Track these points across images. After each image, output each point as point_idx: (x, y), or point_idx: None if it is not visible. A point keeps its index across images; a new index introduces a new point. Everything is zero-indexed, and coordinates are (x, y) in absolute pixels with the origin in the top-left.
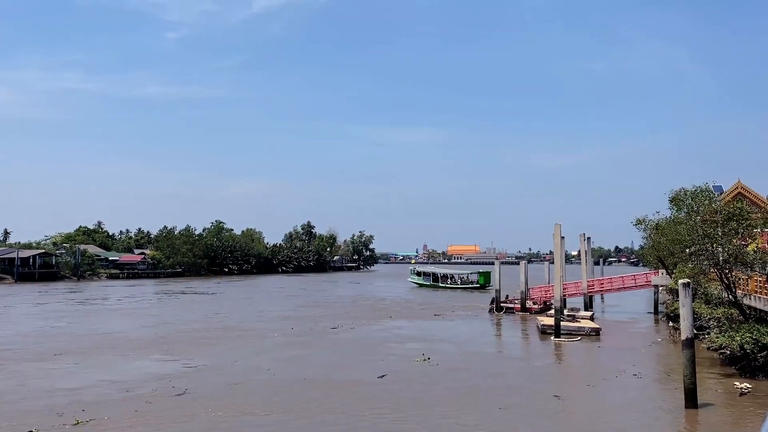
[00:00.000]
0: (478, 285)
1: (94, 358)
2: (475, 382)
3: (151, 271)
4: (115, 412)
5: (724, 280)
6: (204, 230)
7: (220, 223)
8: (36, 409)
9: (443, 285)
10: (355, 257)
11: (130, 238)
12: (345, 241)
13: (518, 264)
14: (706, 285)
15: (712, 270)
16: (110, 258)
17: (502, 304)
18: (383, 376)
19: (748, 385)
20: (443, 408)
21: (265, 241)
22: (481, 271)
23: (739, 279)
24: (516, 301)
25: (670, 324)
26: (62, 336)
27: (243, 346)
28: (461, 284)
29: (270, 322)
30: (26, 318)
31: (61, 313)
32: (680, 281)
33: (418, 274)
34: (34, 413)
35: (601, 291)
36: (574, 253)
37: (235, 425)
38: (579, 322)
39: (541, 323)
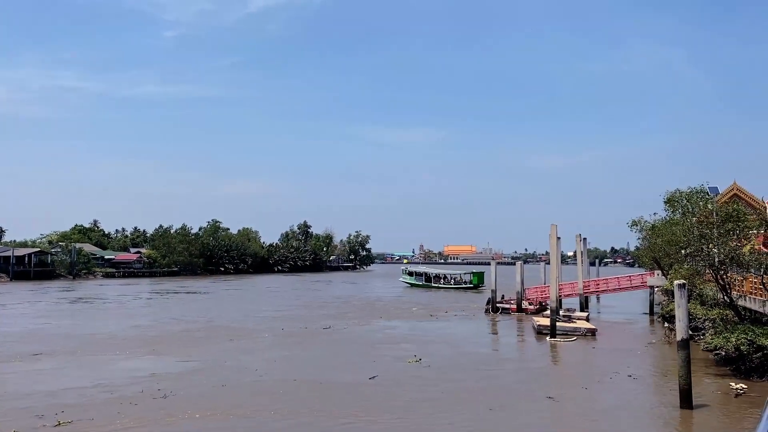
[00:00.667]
0: (471, 285)
1: (79, 359)
2: (467, 383)
3: (147, 270)
4: (98, 413)
5: (720, 281)
6: (200, 229)
7: (217, 222)
8: (15, 410)
9: (436, 285)
10: (352, 257)
11: (126, 237)
12: (341, 241)
13: (514, 264)
14: (702, 286)
15: (707, 271)
16: (106, 257)
17: (498, 305)
18: (374, 377)
19: (744, 386)
20: (433, 409)
21: (262, 241)
22: (474, 271)
23: (735, 280)
24: (512, 302)
25: (666, 325)
26: (49, 336)
27: (232, 347)
28: (454, 284)
29: (262, 322)
30: (15, 317)
31: (52, 313)
32: (676, 282)
33: (410, 274)
34: (13, 415)
35: (597, 292)
36: (570, 253)
37: (221, 427)
38: (575, 322)
39: (537, 323)
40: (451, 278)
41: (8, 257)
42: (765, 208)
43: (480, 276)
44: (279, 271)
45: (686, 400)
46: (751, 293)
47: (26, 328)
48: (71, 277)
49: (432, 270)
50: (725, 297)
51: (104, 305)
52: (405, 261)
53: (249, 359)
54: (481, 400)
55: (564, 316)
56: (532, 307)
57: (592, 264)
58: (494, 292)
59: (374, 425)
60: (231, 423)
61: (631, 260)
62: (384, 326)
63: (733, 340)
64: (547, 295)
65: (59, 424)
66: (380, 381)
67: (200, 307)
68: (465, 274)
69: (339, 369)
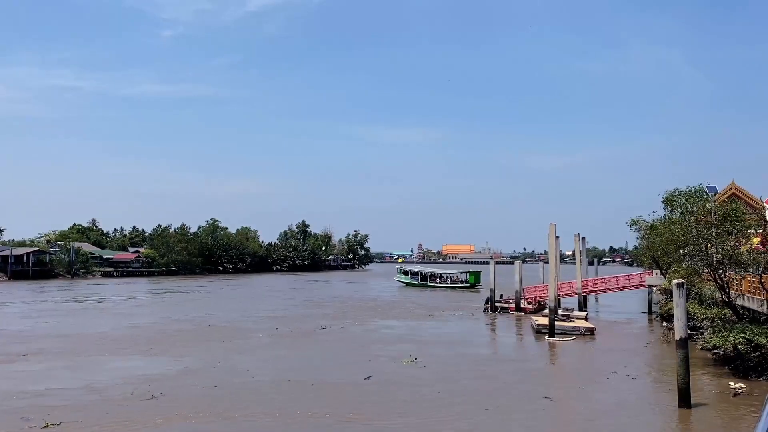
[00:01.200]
0: (467, 284)
1: (69, 359)
2: (463, 384)
3: (146, 269)
4: (86, 415)
5: (718, 280)
6: (199, 229)
7: (215, 221)
8: (1, 412)
9: (432, 284)
10: (350, 256)
11: (125, 236)
12: (340, 240)
13: (513, 264)
14: (700, 285)
15: (705, 270)
16: (104, 256)
17: (496, 304)
18: (369, 377)
19: (742, 386)
20: (428, 410)
21: (260, 240)
22: (471, 270)
23: (733, 279)
24: (510, 301)
25: (664, 324)
26: (40, 336)
27: (226, 347)
28: (450, 283)
29: (257, 322)
30: (8, 317)
31: (46, 312)
32: (674, 281)
33: (405, 273)
34: None
35: (596, 291)
36: (569, 252)
37: (211, 429)
38: (573, 321)
39: (536, 323)
40: (447, 277)
41: (6, 256)
42: (764, 207)
43: (476, 275)
44: (278, 271)
45: (684, 400)
46: (749, 292)
47: (17, 327)
48: (70, 276)
49: (428, 269)
50: (723, 296)
51: (99, 305)
52: (400, 260)
53: (242, 360)
54: (476, 400)
55: (562, 315)
56: (530, 306)
57: (591, 263)
58: (493, 291)
59: (368, 427)
60: (222, 425)
61: (630, 259)
62: (380, 326)
63: (732, 339)
64: (546, 295)
65: (47, 425)
66: (375, 382)
67: (196, 307)
68: (461, 273)
69: (334, 369)
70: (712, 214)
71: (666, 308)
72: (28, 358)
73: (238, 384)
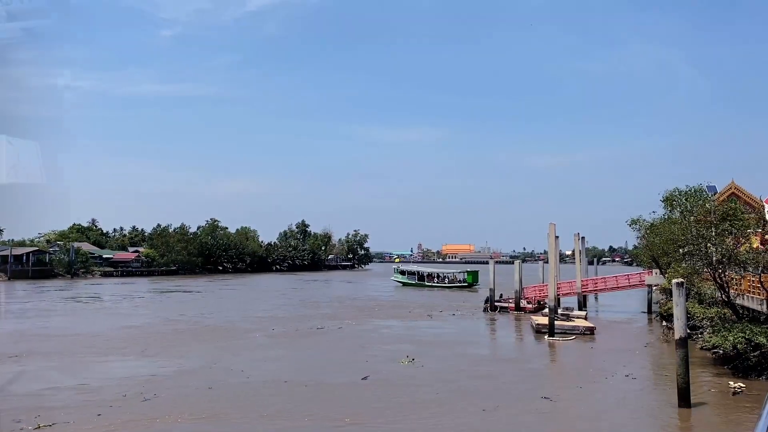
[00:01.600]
0: (465, 284)
1: (64, 360)
2: (461, 384)
3: (146, 269)
4: (78, 416)
5: (718, 280)
6: (198, 228)
7: (215, 221)
8: None
9: (429, 284)
10: (350, 256)
11: (124, 236)
12: (340, 240)
13: (513, 263)
14: (700, 285)
15: (705, 270)
16: (104, 256)
17: (496, 304)
18: (366, 377)
19: (742, 385)
20: (425, 411)
21: (260, 240)
22: (468, 270)
23: (732, 279)
24: (510, 301)
25: (664, 323)
26: (34, 336)
27: (222, 347)
28: (448, 283)
29: (255, 322)
30: (5, 317)
31: (44, 312)
32: (674, 281)
33: (402, 272)
34: None
35: (595, 290)
36: (569, 252)
37: (205, 431)
38: (573, 321)
39: (536, 322)
40: (445, 277)
41: (6, 256)
42: (763, 207)
43: (474, 275)
44: (277, 270)
45: (684, 399)
46: (749, 292)
47: (14, 328)
48: (69, 276)
49: (425, 269)
50: (723, 295)
51: (97, 305)
52: (397, 260)
53: (238, 360)
54: (475, 400)
55: (562, 314)
56: (530, 305)
57: (591, 263)
58: (492, 290)
59: (366, 428)
60: (215, 426)
61: (630, 259)
62: (378, 326)
63: (731, 338)
64: (546, 294)
65: (39, 427)
66: (373, 382)
67: (194, 307)
68: (459, 272)
69: (331, 370)
70: (712, 213)
71: (666, 308)
72: (22, 358)
73: (233, 385)
